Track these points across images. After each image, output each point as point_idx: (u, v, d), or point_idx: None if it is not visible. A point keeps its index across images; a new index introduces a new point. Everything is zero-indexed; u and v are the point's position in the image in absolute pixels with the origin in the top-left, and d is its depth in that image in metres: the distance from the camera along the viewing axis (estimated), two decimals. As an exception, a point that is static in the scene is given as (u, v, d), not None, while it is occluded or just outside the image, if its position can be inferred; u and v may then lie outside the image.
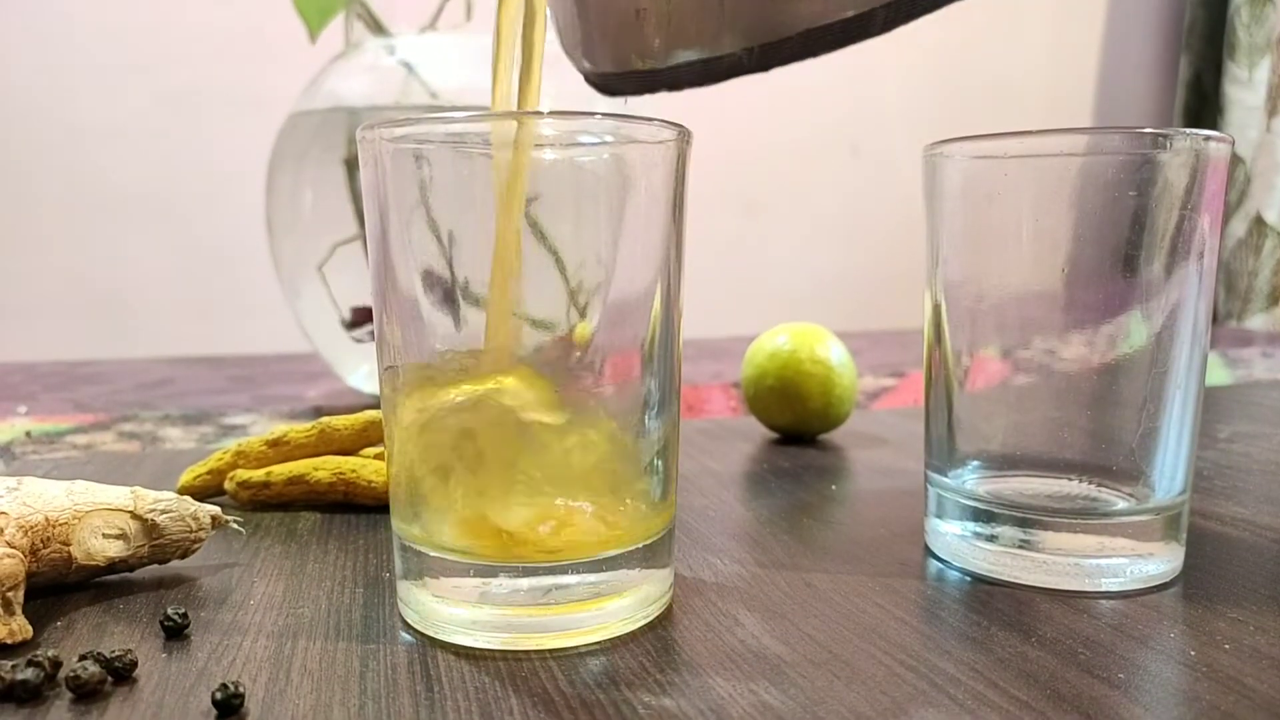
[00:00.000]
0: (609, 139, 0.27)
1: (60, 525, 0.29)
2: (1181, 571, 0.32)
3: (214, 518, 0.33)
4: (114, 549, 0.30)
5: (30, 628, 0.27)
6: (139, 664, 0.25)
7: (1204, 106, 1.40)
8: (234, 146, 1.01)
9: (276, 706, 0.23)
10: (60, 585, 0.31)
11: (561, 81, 0.69)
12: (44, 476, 0.37)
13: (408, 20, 0.69)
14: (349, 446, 0.42)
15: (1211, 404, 0.63)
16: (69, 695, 0.24)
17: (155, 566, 0.32)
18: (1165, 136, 0.29)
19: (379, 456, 0.41)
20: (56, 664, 0.24)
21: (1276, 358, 0.98)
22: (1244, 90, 1.32)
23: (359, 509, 0.40)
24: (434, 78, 0.66)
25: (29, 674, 0.23)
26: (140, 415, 0.67)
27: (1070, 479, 0.32)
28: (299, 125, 0.69)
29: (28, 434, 0.60)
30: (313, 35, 0.68)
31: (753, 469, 0.47)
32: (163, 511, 0.31)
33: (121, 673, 0.24)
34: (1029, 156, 0.30)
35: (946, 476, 0.34)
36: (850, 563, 0.33)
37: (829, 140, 1.30)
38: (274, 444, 0.41)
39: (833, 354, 0.51)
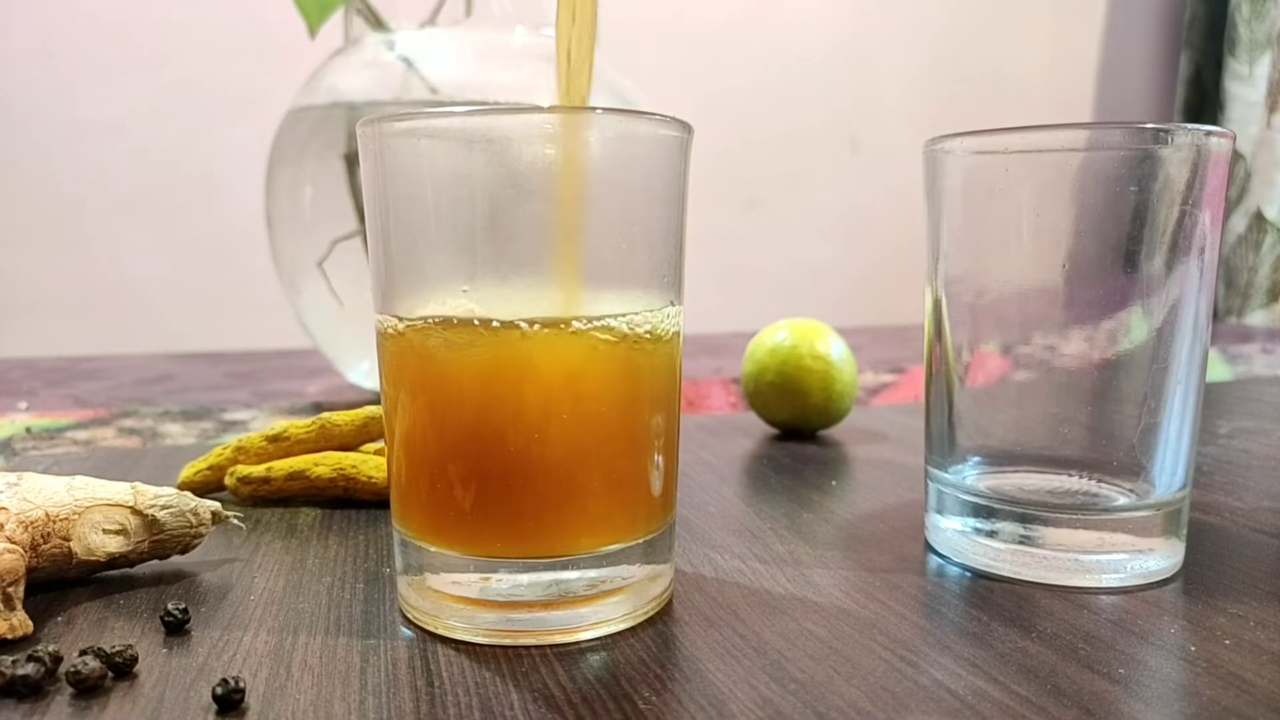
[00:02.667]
0: (610, 134, 0.27)
1: (60, 520, 0.29)
2: (1182, 567, 0.32)
3: (214, 513, 0.33)
4: (114, 544, 0.30)
5: (31, 623, 0.27)
6: (139, 659, 0.25)
7: (1204, 102, 1.40)
8: (234, 142, 1.01)
9: (277, 701, 0.23)
10: (60, 580, 0.31)
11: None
12: (44, 472, 0.37)
13: (408, 15, 0.69)
14: (349, 442, 0.42)
15: (1212, 400, 0.63)
16: (69, 690, 0.24)
17: (156, 562, 0.32)
18: (1166, 132, 0.29)
19: (379, 452, 0.41)
20: (57, 659, 0.24)
21: (1276, 354, 0.98)
22: (1244, 86, 1.32)
23: (359, 504, 0.40)
24: (434, 73, 0.66)
25: (29, 669, 0.23)
26: (140, 411, 0.67)
27: (1070, 475, 0.32)
28: (299, 121, 0.69)
29: (28, 430, 0.60)
30: (312, 31, 0.68)
31: (753, 464, 0.47)
32: (163, 507, 0.31)
33: (122, 668, 0.24)
34: (1030, 152, 0.30)
35: (947, 472, 0.34)
36: (850, 558, 0.33)
37: (829, 135, 1.30)
38: (274, 439, 0.41)
39: (833, 349, 0.51)
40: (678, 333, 0.29)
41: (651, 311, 0.28)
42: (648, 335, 0.27)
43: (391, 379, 0.28)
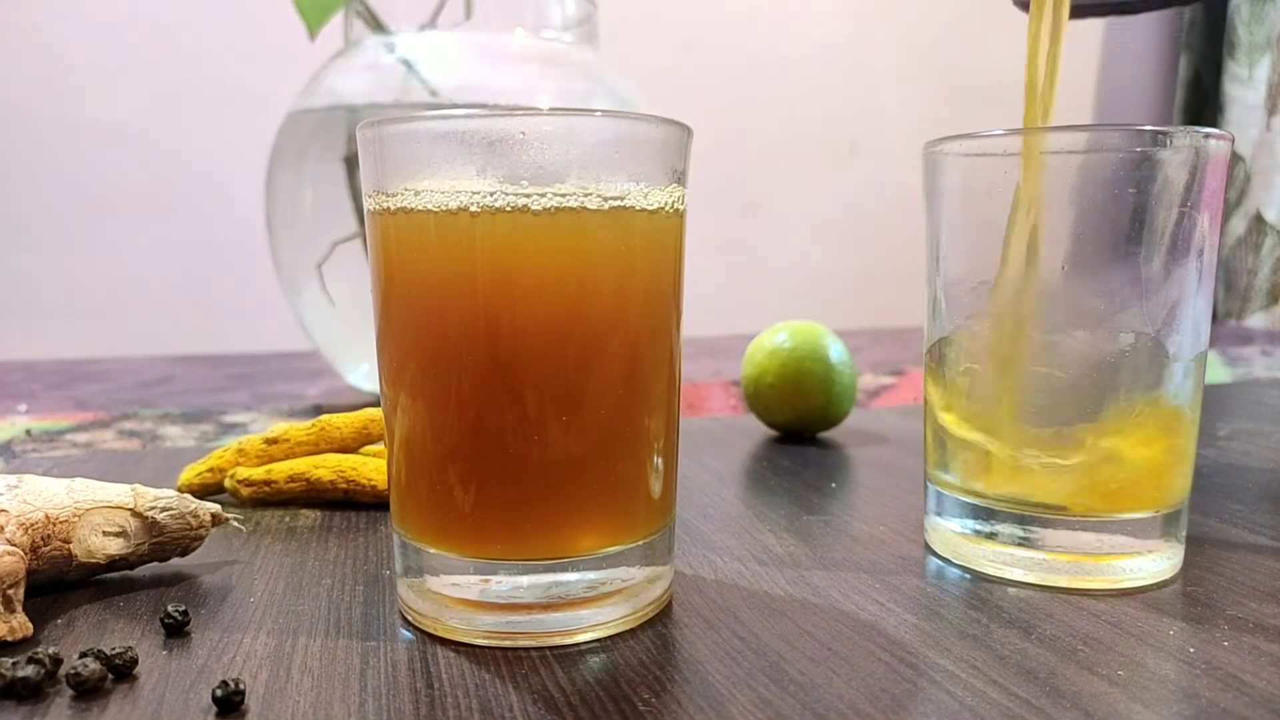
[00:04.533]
0: (610, 136, 0.27)
1: (61, 523, 0.29)
2: (1181, 569, 0.32)
3: (214, 515, 0.33)
4: (114, 546, 0.30)
5: (31, 625, 0.27)
6: (139, 661, 0.25)
7: (1204, 104, 1.40)
8: (234, 145, 1.01)
9: (277, 704, 0.23)
10: (61, 583, 0.31)
11: (563, 79, 0.69)
12: (44, 474, 0.37)
13: (407, 18, 0.69)
14: (349, 444, 0.42)
15: (1211, 402, 0.63)
16: (69, 692, 0.24)
17: (155, 564, 0.32)
18: (1165, 134, 0.29)
19: (379, 454, 0.41)
20: (57, 661, 0.24)
21: (1275, 356, 0.98)
22: (1244, 88, 1.32)
23: (359, 506, 0.40)
24: (433, 75, 0.66)
25: (30, 671, 0.23)
26: (140, 413, 0.67)
27: (1070, 476, 0.32)
28: (299, 123, 0.69)
29: (28, 432, 0.60)
30: (312, 33, 0.68)
31: (753, 467, 0.47)
32: (163, 509, 0.31)
33: (122, 670, 0.24)
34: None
35: (946, 474, 0.34)
36: (850, 560, 0.33)
37: (829, 137, 1.30)
38: (274, 442, 0.41)
39: (833, 352, 0.51)
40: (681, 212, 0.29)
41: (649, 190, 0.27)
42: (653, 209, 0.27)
43: (379, 267, 0.28)
